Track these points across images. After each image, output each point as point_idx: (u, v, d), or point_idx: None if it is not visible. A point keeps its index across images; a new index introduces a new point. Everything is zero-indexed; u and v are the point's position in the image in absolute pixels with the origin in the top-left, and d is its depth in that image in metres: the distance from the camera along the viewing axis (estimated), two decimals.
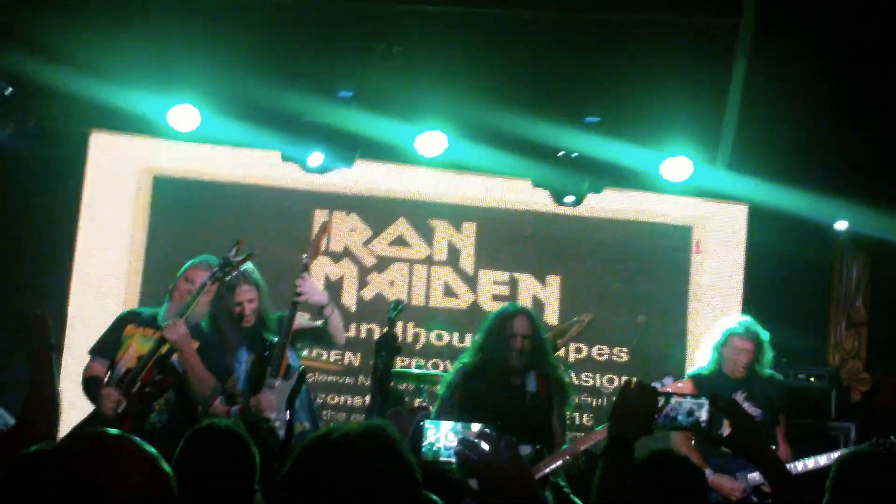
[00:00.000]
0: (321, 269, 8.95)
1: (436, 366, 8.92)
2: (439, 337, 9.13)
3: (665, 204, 9.31)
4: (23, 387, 4.67)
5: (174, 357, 6.17)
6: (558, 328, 7.99)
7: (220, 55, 7.59)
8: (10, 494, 2.06)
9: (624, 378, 8.49)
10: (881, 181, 8.53)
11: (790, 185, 8.36)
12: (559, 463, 6.34)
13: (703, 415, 3.16)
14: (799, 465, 6.73)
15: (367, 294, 9.17)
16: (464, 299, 9.23)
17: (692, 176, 8.33)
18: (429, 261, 9.24)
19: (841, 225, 8.94)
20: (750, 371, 7.04)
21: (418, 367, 8.22)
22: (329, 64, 7.82)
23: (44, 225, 8.66)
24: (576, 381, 8.72)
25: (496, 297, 9.11)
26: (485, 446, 2.53)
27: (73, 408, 8.15)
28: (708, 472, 6.49)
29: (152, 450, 2.08)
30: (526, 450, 6.25)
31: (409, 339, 9.02)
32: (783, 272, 9.11)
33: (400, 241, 9.23)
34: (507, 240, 9.33)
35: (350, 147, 8.20)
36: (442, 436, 2.75)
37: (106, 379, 6.28)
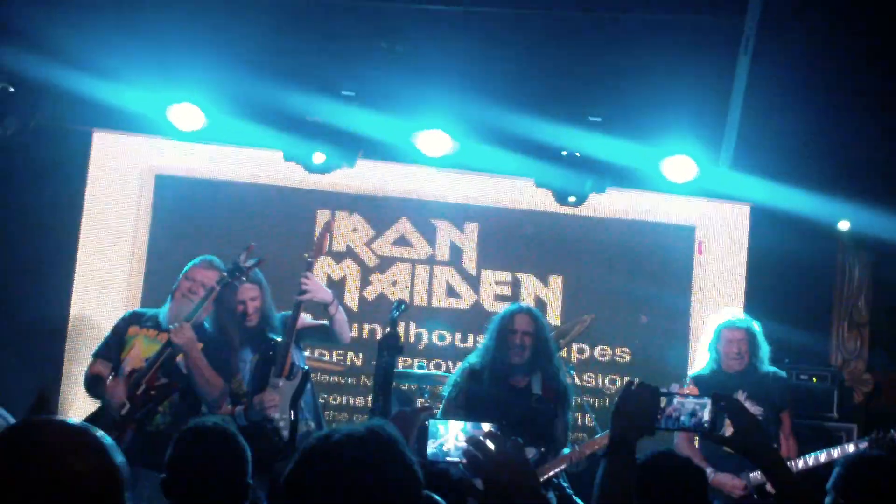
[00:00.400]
0: (323, 269, 8.95)
1: (438, 366, 8.92)
2: (441, 337, 9.13)
3: (668, 204, 9.31)
4: (23, 386, 4.73)
5: (179, 359, 6.16)
6: (560, 328, 7.99)
7: (222, 55, 7.59)
8: None
9: (626, 378, 8.53)
10: (884, 181, 8.52)
11: (793, 185, 8.36)
12: (563, 466, 6.34)
13: (706, 415, 3.15)
14: (799, 463, 6.75)
15: (370, 294, 9.17)
16: (466, 299, 9.23)
17: (695, 176, 8.33)
18: (431, 261, 9.23)
19: (844, 225, 8.94)
20: (748, 365, 7.05)
21: (420, 367, 8.23)
22: (332, 63, 7.81)
23: (46, 224, 8.66)
24: (578, 382, 8.74)
25: (498, 298, 9.11)
26: (491, 446, 2.53)
27: (73, 408, 8.20)
28: (709, 470, 6.50)
29: (107, 440, 2.06)
30: (531, 452, 6.24)
31: (412, 339, 9.02)
32: (785, 272, 9.11)
33: (402, 241, 9.23)
34: (509, 240, 9.32)
35: (352, 146, 8.20)
36: (451, 436, 2.75)
37: (110, 377, 6.27)
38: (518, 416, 6.29)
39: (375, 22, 7.61)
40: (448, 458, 2.76)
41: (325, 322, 6.45)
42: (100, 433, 2.08)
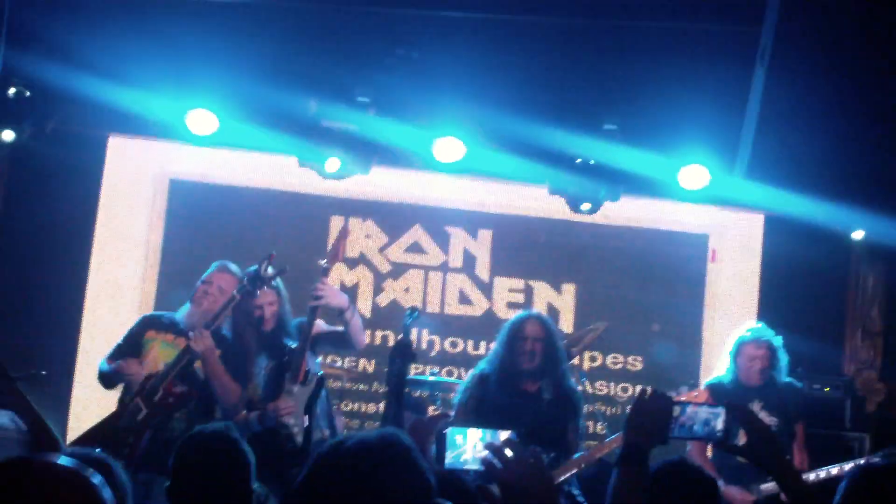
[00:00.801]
0: (337, 276, 8.95)
1: (450, 373, 8.92)
2: (454, 344, 9.13)
3: (681, 212, 9.29)
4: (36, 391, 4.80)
5: (197, 366, 6.17)
6: (573, 336, 7.97)
7: (237, 61, 7.62)
8: None
9: (639, 387, 8.51)
10: None
11: (807, 194, 8.34)
12: (574, 471, 6.33)
13: (719, 424, 3.15)
14: (812, 476, 6.72)
15: (383, 300, 9.17)
16: (479, 307, 9.23)
17: (709, 184, 8.32)
18: (444, 268, 9.24)
19: (857, 234, 8.93)
20: (767, 378, 7.02)
21: (433, 374, 8.22)
22: (346, 70, 7.82)
23: (61, 228, 8.69)
24: (590, 390, 8.74)
25: (511, 305, 9.11)
26: (509, 453, 2.54)
27: (87, 411, 8.21)
28: (719, 482, 6.47)
29: (96, 478, 2.05)
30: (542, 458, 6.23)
31: (424, 346, 9.02)
32: (799, 281, 9.10)
33: (416, 248, 9.24)
34: (522, 247, 9.33)
35: (367, 153, 8.21)
36: (469, 446, 2.75)
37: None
38: (528, 422, 6.27)
39: (391, 29, 7.63)
40: (466, 468, 2.76)
41: (340, 328, 6.44)
42: (90, 471, 2.07)
